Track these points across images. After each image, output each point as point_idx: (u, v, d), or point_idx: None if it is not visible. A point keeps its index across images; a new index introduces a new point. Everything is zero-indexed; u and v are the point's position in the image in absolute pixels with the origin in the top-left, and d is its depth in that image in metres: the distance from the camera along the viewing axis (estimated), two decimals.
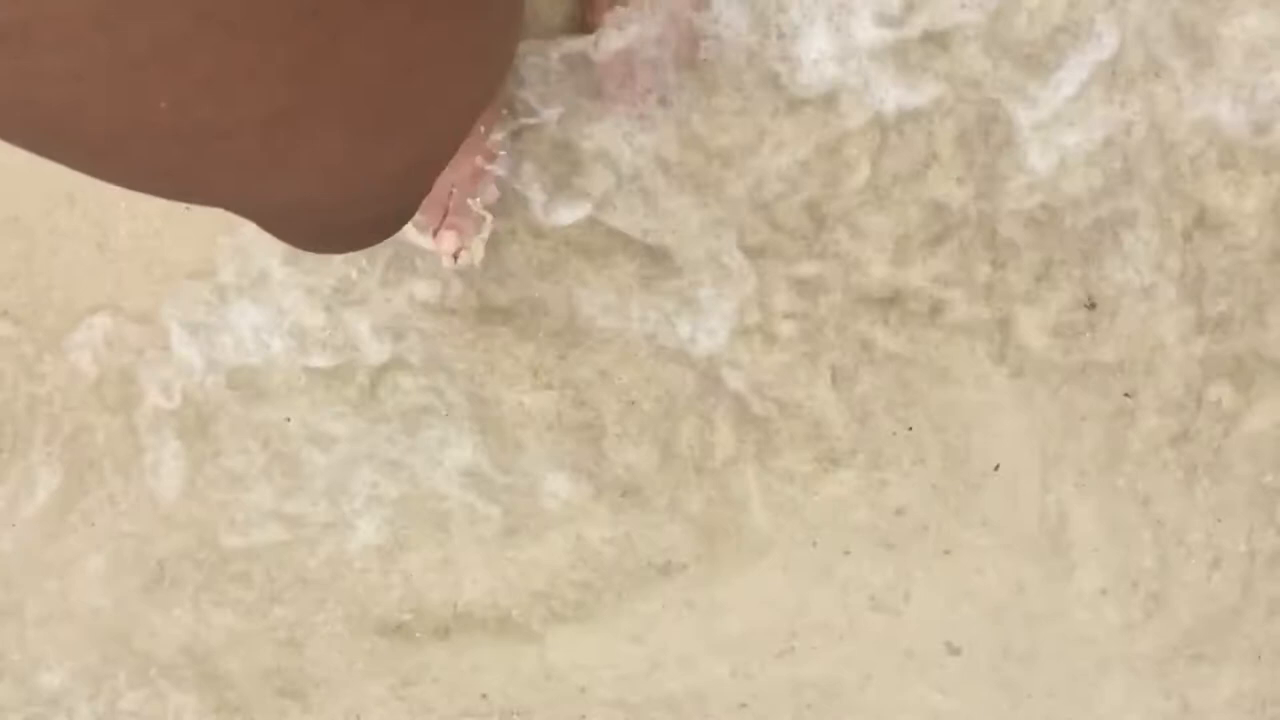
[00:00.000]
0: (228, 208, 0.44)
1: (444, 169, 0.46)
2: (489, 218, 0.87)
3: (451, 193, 0.85)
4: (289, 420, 0.93)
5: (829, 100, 0.87)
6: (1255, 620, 0.95)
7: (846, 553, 0.95)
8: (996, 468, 0.93)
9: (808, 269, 0.90)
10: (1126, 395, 0.91)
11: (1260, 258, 0.90)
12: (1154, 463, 0.93)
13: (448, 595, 0.95)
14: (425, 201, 0.83)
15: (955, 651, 0.97)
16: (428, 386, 0.92)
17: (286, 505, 0.94)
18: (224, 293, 0.91)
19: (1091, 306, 0.88)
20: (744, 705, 0.97)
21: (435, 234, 0.86)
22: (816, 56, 0.86)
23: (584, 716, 0.97)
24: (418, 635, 0.96)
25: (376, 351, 0.92)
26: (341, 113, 0.37)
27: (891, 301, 0.91)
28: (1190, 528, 0.94)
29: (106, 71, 0.32)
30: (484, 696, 0.97)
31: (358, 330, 0.92)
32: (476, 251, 0.88)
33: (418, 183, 0.46)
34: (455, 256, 0.86)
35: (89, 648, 0.97)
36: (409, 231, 0.88)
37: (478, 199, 0.86)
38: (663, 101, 0.89)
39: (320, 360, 0.92)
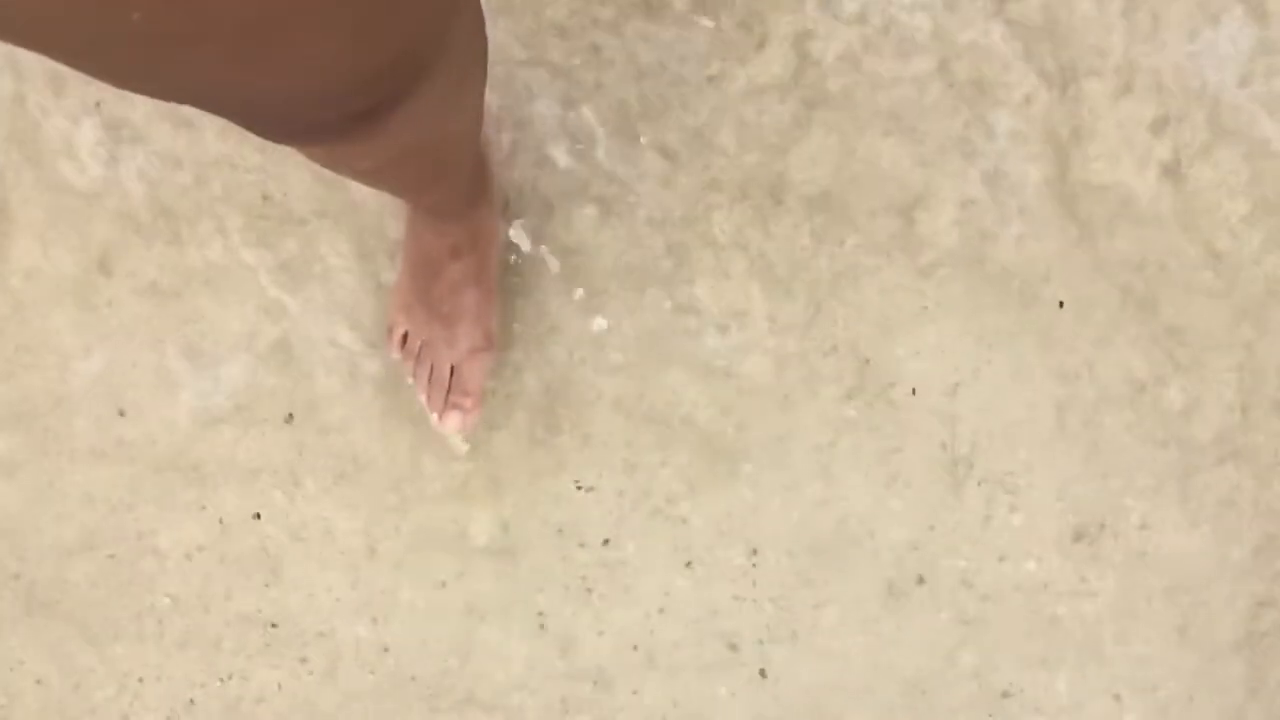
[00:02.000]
0: (213, 108, 0.44)
1: (434, 63, 0.46)
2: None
3: (452, 372, 0.92)
4: None
5: None
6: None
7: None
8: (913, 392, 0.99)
9: None
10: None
11: None
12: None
13: None
14: (430, 386, 0.93)
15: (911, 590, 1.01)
16: None
17: None
18: None
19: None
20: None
21: (441, 417, 0.93)
22: None
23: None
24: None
25: None
26: (317, 15, 0.37)
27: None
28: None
29: None
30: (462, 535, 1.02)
31: None
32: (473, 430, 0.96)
33: (404, 72, 0.45)
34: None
35: None
36: (420, 407, 0.95)
37: (478, 377, 0.92)
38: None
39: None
